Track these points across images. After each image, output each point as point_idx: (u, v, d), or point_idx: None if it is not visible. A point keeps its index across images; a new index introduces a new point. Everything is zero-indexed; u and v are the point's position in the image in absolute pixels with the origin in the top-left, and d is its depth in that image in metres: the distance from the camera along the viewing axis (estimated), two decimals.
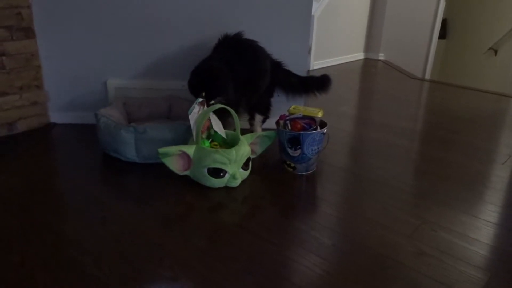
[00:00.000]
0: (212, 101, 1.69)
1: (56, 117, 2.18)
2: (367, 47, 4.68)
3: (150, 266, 1.13)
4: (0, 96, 1.96)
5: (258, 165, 1.74)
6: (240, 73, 1.79)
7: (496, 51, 5.16)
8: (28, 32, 2.00)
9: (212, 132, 1.69)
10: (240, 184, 1.60)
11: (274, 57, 1.99)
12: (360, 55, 4.66)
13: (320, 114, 1.71)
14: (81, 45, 2.07)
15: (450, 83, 3.64)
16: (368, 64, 4.40)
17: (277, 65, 1.99)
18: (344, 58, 4.39)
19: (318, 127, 1.70)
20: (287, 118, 1.72)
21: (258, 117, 2.01)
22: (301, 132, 1.64)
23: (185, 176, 1.61)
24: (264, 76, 1.91)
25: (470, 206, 1.52)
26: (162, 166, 1.55)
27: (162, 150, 1.50)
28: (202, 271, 1.12)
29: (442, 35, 5.44)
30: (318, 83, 2.02)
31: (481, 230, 1.36)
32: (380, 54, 4.59)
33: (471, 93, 3.28)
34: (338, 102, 2.78)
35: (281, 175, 1.72)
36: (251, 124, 2.03)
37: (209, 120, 1.64)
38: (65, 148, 1.94)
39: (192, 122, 1.59)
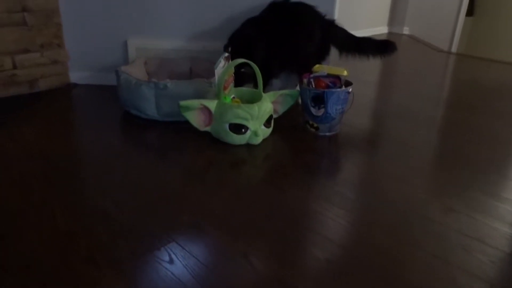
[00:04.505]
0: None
1: (76, 77, 2.17)
2: (392, 21, 4.53)
3: (171, 211, 1.12)
4: (22, 53, 1.95)
5: (279, 126, 1.70)
6: (274, 36, 1.83)
7: None
8: None
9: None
10: (261, 143, 1.57)
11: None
12: (383, 29, 4.52)
13: (345, 73, 1.65)
14: (102, 2, 2.04)
15: (478, 56, 3.51)
16: (392, 38, 4.27)
17: (329, 24, 1.90)
18: (366, 31, 4.26)
19: (343, 86, 1.64)
20: (311, 76, 1.67)
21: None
22: (326, 90, 1.59)
23: (206, 133, 1.59)
24: (305, 38, 1.86)
25: (501, 167, 1.46)
26: (182, 123, 1.52)
27: (183, 103, 1.47)
28: (223, 217, 1.10)
29: (470, 12, 5.23)
30: (377, 47, 1.92)
31: None
32: (405, 28, 4.45)
33: (499, 66, 3.15)
34: (362, 71, 2.70)
35: (303, 135, 1.68)
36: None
37: (233, 76, 1.60)
38: (87, 106, 1.93)
39: (217, 76, 1.55)
